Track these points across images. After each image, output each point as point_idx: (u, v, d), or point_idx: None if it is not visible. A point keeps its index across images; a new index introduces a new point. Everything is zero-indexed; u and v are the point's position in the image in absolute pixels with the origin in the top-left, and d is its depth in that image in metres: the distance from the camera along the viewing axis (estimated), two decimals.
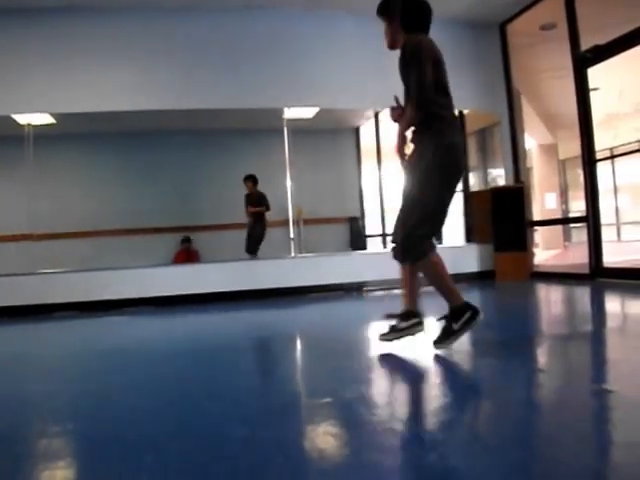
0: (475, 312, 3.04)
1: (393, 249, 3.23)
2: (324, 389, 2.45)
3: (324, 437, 1.93)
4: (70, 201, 7.83)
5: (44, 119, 6.71)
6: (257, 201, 8.09)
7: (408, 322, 3.22)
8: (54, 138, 7.23)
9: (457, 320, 3.04)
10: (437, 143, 3.03)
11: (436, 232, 3.20)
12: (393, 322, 3.26)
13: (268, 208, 8.06)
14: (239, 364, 3.17)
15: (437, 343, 3.08)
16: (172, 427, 2.05)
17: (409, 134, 3.15)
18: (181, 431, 1.99)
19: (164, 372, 3.05)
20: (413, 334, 3.22)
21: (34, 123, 6.67)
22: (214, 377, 2.88)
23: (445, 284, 3.11)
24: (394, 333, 3.22)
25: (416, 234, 3.04)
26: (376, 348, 3.31)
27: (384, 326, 3.29)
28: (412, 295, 3.31)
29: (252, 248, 8.01)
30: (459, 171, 3.16)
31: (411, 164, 3.12)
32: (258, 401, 2.38)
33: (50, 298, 6.16)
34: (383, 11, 3.36)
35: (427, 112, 3.03)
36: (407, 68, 3.09)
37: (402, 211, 3.17)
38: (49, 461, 1.78)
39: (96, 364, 3.43)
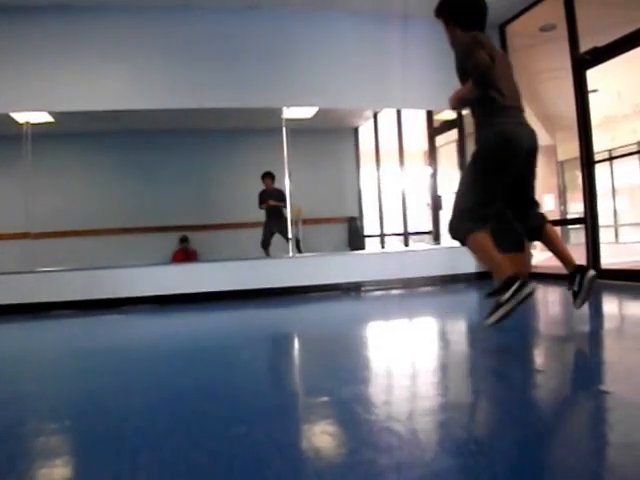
0: (523, 284, 2.99)
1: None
2: (321, 388, 2.45)
3: (321, 436, 1.93)
4: (68, 200, 7.83)
5: (42, 117, 6.70)
6: (278, 198, 8.10)
7: (510, 290, 3.00)
8: (52, 137, 7.23)
9: (505, 291, 3.00)
10: (489, 129, 3.19)
11: (485, 213, 3.22)
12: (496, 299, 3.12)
13: (286, 205, 8.05)
14: (236, 363, 3.17)
15: (485, 319, 3.05)
16: (169, 426, 2.04)
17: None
18: (178, 430, 1.99)
19: (161, 371, 3.05)
20: (522, 300, 2.99)
21: (32, 122, 6.66)
22: (210, 376, 2.88)
23: (494, 261, 3.19)
24: (501, 309, 3.00)
25: (462, 215, 3.22)
26: (374, 347, 3.31)
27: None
28: (507, 260, 3.26)
29: (267, 244, 8.06)
30: (511, 155, 3.16)
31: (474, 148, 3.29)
32: (255, 400, 2.37)
33: (47, 296, 6.16)
34: (439, 12, 3.49)
35: (485, 95, 3.16)
36: (464, 59, 3.19)
37: (457, 192, 3.34)
38: (45, 459, 1.78)
39: (93, 363, 3.42)
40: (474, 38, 3.19)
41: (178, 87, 6.61)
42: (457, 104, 3.37)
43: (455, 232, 3.29)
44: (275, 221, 8.16)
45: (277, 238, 8.06)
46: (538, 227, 3.45)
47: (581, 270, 3.33)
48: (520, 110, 3.33)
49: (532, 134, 3.28)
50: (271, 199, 8.16)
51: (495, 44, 7.71)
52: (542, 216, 3.48)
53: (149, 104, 6.60)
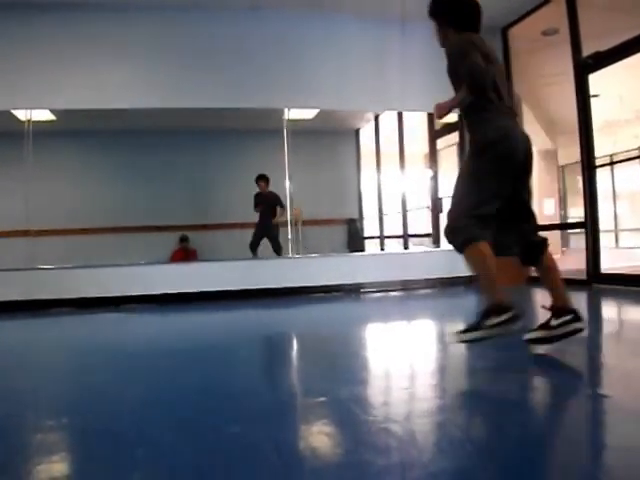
0: (514, 317, 2.82)
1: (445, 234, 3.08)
2: (319, 388, 2.45)
3: (318, 436, 1.93)
4: (68, 198, 7.83)
5: (44, 115, 6.71)
6: (272, 201, 8.10)
7: (499, 318, 2.83)
8: (54, 135, 7.24)
9: (491, 317, 2.81)
10: (487, 125, 3.00)
11: (486, 215, 2.95)
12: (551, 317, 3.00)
13: (283, 207, 8.05)
14: (235, 362, 3.17)
15: (460, 332, 2.90)
16: (167, 423, 2.05)
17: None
18: (176, 428, 1.99)
19: (159, 369, 3.06)
20: (505, 334, 2.84)
21: (34, 119, 6.67)
22: (209, 375, 2.88)
23: (490, 278, 2.96)
24: (480, 331, 2.83)
25: (461, 217, 2.94)
26: (372, 349, 3.31)
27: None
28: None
29: (256, 245, 8.06)
30: (511, 150, 2.96)
31: (468, 152, 3.11)
32: (253, 399, 2.37)
33: (47, 294, 6.17)
34: (433, 13, 3.37)
35: (479, 100, 2.98)
36: (457, 62, 3.04)
37: (453, 196, 3.06)
38: (43, 455, 1.78)
39: (91, 360, 3.42)
40: (468, 40, 3.06)
41: (180, 87, 6.61)
42: (446, 113, 3.06)
43: (453, 237, 2.98)
44: (264, 224, 8.17)
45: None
46: (537, 246, 3.20)
47: (575, 314, 2.99)
48: (515, 114, 3.21)
49: (527, 139, 3.12)
50: (265, 202, 8.16)
51: (495, 47, 7.76)
52: (543, 238, 3.23)
53: (151, 104, 6.61)
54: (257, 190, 8.19)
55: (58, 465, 1.72)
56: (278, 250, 8.02)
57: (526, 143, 3.08)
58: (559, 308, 3.01)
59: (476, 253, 2.94)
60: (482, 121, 3.03)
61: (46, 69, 6.41)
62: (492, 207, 2.96)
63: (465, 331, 2.88)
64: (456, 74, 3.09)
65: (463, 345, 3.15)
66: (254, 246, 8.07)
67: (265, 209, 8.18)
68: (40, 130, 6.68)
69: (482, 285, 2.99)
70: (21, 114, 6.62)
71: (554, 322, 2.94)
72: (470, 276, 7.22)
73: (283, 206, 7.97)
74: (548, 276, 3.16)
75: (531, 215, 3.19)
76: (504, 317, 2.80)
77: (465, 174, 3.06)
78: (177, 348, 3.72)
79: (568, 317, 2.95)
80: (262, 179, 8.15)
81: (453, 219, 2.98)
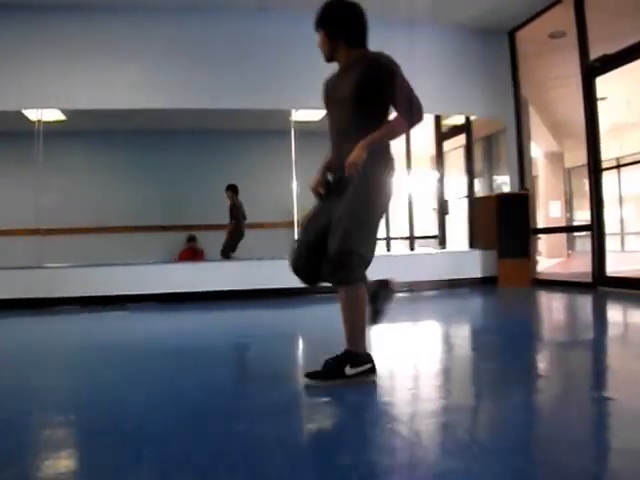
0: (374, 368, 2.61)
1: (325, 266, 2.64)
2: (325, 388, 2.47)
3: (324, 435, 1.95)
4: (77, 197, 7.85)
5: (54, 115, 6.76)
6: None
7: (360, 368, 2.58)
8: (64, 135, 7.26)
9: (355, 366, 2.56)
10: (389, 164, 2.78)
11: (371, 258, 2.68)
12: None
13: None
14: (241, 361, 3.19)
15: (312, 376, 2.57)
16: (172, 421, 2.07)
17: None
18: (181, 424, 2.02)
19: (164, 367, 3.09)
20: (359, 382, 2.56)
21: (45, 119, 6.71)
22: (214, 373, 2.90)
23: (362, 323, 2.64)
24: (337, 381, 2.54)
25: (358, 252, 2.56)
26: (378, 350, 3.32)
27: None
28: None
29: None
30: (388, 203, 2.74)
31: (360, 174, 2.61)
32: (258, 398, 2.40)
33: (55, 292, 6.22)
34: (324, 21, 3.00)
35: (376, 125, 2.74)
36: (386, 80, 2.73)
37: (351, 215, 2.61)
38: (50, 451, 1.81)
39: (98, 358, 3.45)
40: (393, 60, 2.80)
41: (188, 87, 6.65)
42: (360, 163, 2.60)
43: (346, 273, 2.56)
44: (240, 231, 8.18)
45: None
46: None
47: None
48: None
49: None
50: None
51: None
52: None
53: (160, 104, 6.66)
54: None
55: (65, 461, 1.76)
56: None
57: None
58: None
59: (361, 296, 2.63)
60: (385, 154, 2.80)
61: (56, 70, 6.46)
62: (374, 248, 2.72)
63: (315, 375, 2.57)
64: (376, 94, 2.77)
65: (467, 347, 3.17)
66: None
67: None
68: (50, 130, 6.72)
69: (354, 329, 2.59)
70: (32, 114, 6.66)
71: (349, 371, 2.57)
72: (475, 278, 7.31)
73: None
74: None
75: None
76: (365, 368, 2.58)
77: (365, 200, 2.65)
78: (184, 346, 3.74)
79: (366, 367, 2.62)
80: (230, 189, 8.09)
81: (347, 252, 2.53)
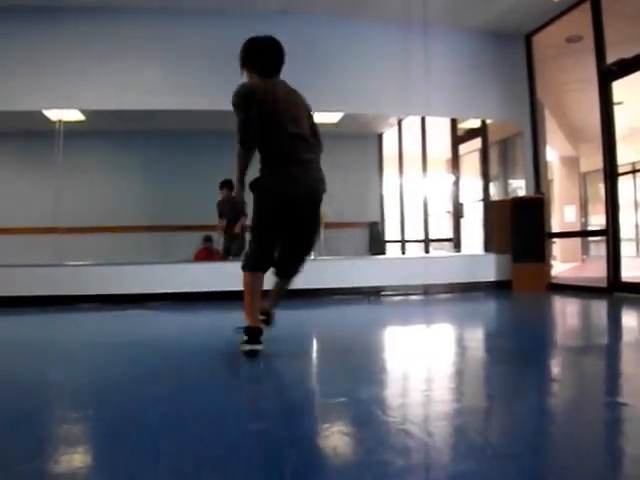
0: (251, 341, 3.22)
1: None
2: (340, 389, 2.49)
3: (338, 435, 1.96)
4: (96, 196, 7.93)
5: (74, 116, 6.84)
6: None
7: (247, 337, 3.27)
8: (83, 135, 7.35)
9: (245, 335, 3.26)
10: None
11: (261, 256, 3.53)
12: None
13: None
14: (256, 361, 3.22)
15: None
16: (189, 419, 2.10)
17: None
18: (198, 423, 2.04)
19: (183, 365, 3.12)
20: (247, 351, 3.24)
21: (65, 119, 6.79)
22: (231, 373, 2.94)
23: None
24: (242, 346, 3.26)
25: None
26: (392, 351, 3.35)
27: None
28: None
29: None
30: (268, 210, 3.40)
31: None
32: (274, 397, 2.43)
33: (73, 289, 6.29)
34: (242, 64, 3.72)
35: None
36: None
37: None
38: (68, 446, 1.85)
39: (116, 354, 3.49)
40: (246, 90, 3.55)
41: (207, 89, 6.70)
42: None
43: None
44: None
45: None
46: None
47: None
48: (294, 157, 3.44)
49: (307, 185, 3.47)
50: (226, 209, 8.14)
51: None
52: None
53: (180, 105, 6.72)
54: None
55: (82, 456, 1.79)
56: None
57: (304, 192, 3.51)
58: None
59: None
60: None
61: (76, 70, 6.55)
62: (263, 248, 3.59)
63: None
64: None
65: (481, 350, 3.19)
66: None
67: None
68: (70, 130, 6.81)
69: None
70: (52, 114, 6.75)
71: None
72: (490, 281, 7.31)
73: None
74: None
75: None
76: (249, 338, 3.23)
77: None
78: (201, 344, 3.77)
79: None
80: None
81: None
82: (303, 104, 3.67)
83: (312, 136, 3.61)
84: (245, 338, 3.22)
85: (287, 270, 3.74)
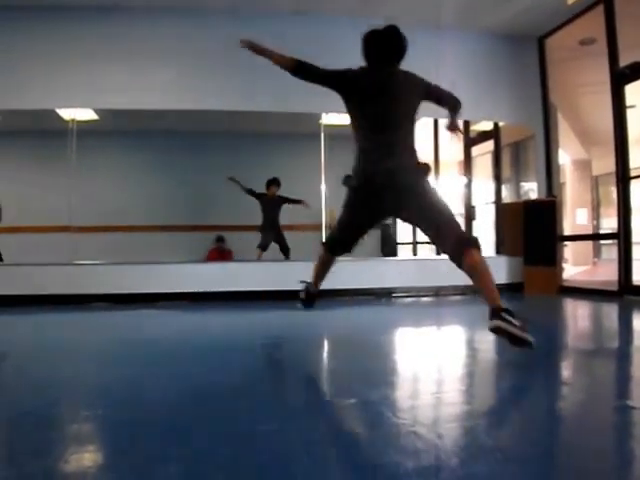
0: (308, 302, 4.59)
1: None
2: (350, 390, 2.50)
3: (348, 436, 1.99)
4: (109, 196, 7.99)
5: (87, 115, 6.89)
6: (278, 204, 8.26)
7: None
8: (96, 134, 7.40)
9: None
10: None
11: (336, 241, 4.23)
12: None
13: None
14: (267, 361, 3.23)
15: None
16: (200, 419, 2.11)
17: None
18: (209, 423, 2.05)
19: (194, 365, 3.13)
20: None
21: (78, 119, 6.84)
22: (242, 373, 2.94)
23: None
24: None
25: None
26: (403, 353, 3.36)
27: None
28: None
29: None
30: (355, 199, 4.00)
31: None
32: (284, 398, 2.44)
33: (85, 288, 6.35)
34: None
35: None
36: (425, 87, 4.08)
37: (443, 212, 3.64)
38: (78, 445, 1.86)
39: (129, 354, 3.51)
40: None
41: (221, 89, 6.74)
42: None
43: (475, 240, 3.45)
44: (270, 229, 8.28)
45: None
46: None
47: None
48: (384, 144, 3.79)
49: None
50: (271, 205, 8.26)
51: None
52: None
53: (192, 105, 6.76)
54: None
55: (92, 455, 1.79)
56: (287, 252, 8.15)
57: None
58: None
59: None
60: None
61: (90, 69, 6.60)
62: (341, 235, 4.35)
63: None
64: (419, 96, 4.15)
65: (492, 353, 3.19)
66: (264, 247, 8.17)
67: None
68: (83, 129, 6.87)
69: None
70: (65, 113, 6.81)
71: None
72: (501, 284, 7.27)
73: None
74: None
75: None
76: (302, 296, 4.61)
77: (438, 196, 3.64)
78: (212, 345, 3.78)
79: None
80: (273, 183, 8.28)
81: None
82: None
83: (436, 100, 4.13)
84: (303, 296, 4.56)
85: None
